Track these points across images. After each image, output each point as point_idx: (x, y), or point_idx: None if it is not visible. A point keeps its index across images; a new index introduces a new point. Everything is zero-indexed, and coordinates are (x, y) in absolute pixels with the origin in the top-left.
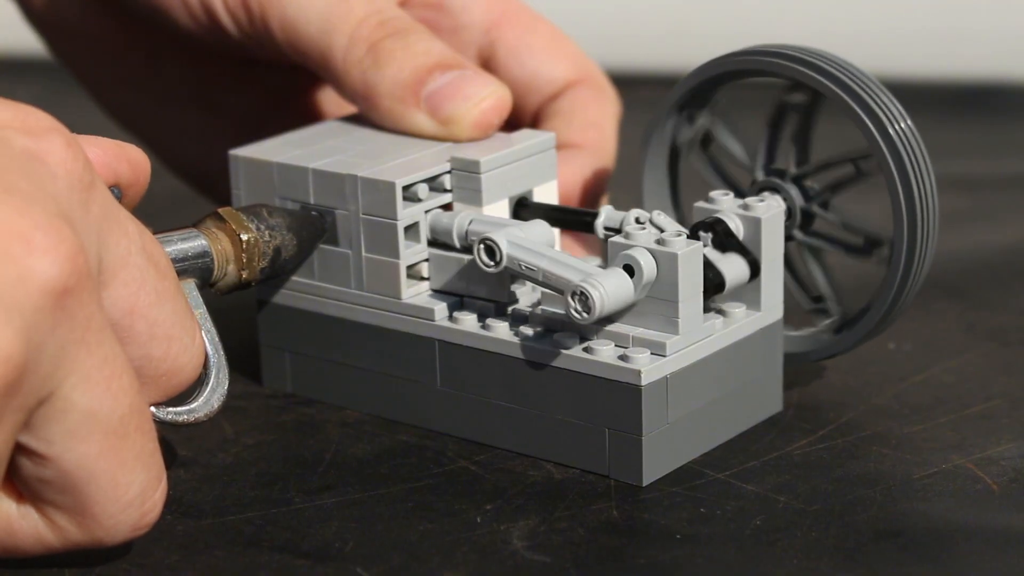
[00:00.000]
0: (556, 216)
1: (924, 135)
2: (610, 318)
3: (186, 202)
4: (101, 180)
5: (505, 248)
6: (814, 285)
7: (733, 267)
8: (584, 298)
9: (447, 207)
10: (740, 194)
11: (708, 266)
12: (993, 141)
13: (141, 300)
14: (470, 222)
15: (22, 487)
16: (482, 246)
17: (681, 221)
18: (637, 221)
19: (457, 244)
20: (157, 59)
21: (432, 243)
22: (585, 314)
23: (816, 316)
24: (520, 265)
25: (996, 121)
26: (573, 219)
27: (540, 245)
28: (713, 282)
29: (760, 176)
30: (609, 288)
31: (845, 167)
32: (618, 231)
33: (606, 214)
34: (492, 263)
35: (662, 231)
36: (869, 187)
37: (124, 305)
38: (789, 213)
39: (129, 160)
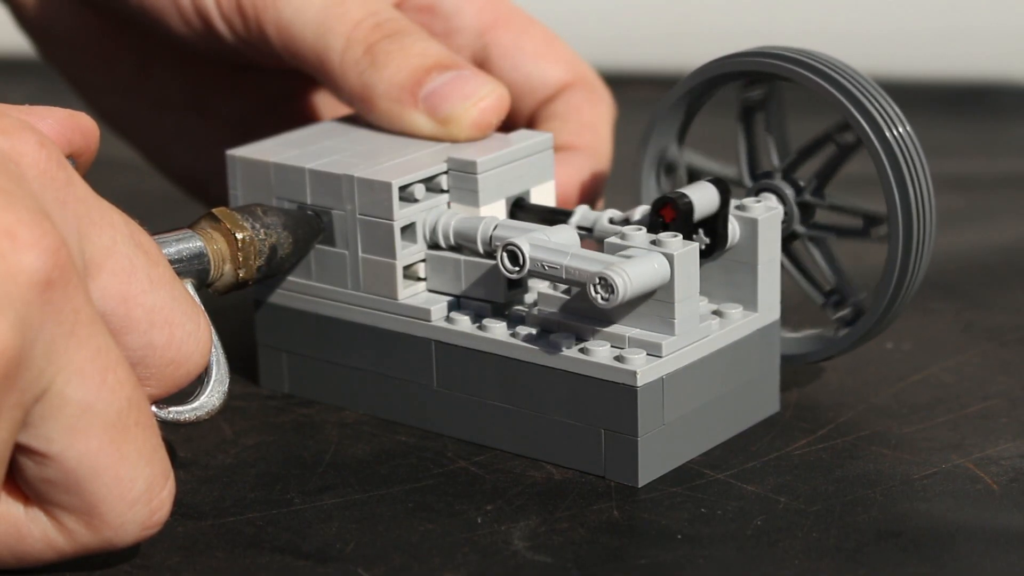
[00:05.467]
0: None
1: (920, 134)
2: (604, 317)
3: (180, 204)
4: (78, 175)
5: (528, 252)
6: (824, 279)
7: (703, 194)
8: (607, 284)
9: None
10: (752, 174)
11: (679, 196)
12: (989, 140)
13: (133, 287)
14: (495, 227)
15: (28, 491)
16: (505, 252)
17: None
18: (611, 221)
19: (481, 250)
20: (150, 64)
21: (452, 247)
22: (609, 298)
23: (831, 310)
24: (543, 266)
25: (992, 120)
26: (547, 218)
27: (562, 244)
28: (683, 211)
29: (777, 179)
30: (632, 273)
31: (827, 148)
32: (590, 230)
33: (581, 213)
34: (516, 268)
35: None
36: (866, 183)
37: (116, 294)
38: (787, 213)
39: (81, 129)
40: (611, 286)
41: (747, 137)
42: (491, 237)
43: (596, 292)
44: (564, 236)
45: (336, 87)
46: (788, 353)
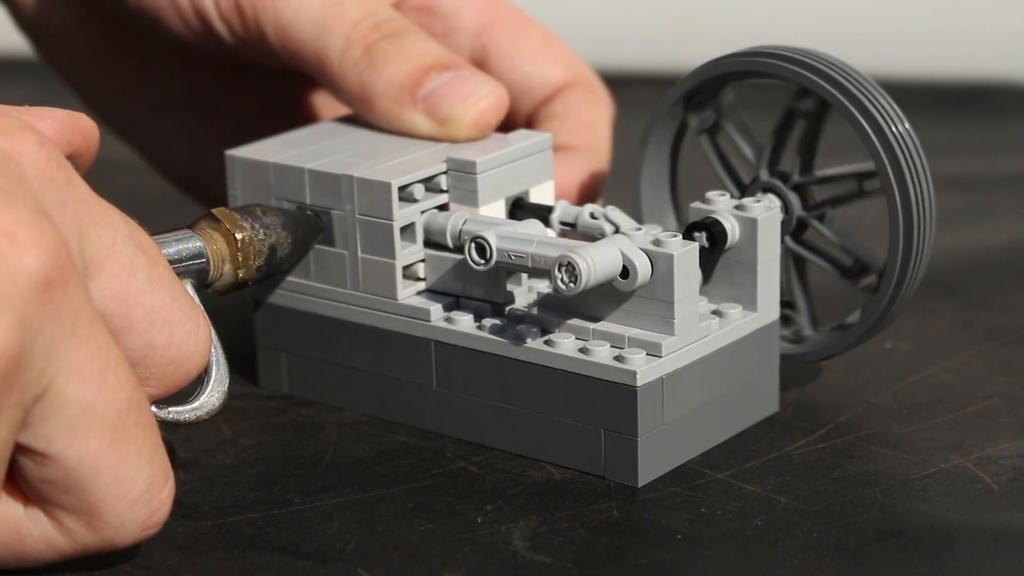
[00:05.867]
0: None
1: (919, 134)
2: (604, 317)
3: (180, 204)
4: (78, 175)
5: (494, 243)
6: (841, 253)
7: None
8: (571, 268)
9: (443, 207)
10: (740, 186)
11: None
12: (988, 140)
13: (133, 287)
14: (464, 222)
15: (28, 491)
16: (473, 244)
17: (679, 220)
18: (592, 216)
19: (451, 244)
20: (148, 65)
21: (427, 243)
22: (572, 284)
23: (856, 280)
24: (510, 256)
25: (991, 120)
26: (529, 214)
27: (527, 234)
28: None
29: (764, 176)
30: (596, 258)
31: (848, 183)
32: (572, 226)
33: (561, 208)
34: (483, 261)
35: (617, 227)
36: (850, 149)
37: (116, 294)
38: (786, 205)
39: (81, 129)
40: (575, 270)
41: (777, 141)
42: (460, 232)
43: (560, 277)
44: (532, 229)
45: (335, 87)
46: (786, 353)
